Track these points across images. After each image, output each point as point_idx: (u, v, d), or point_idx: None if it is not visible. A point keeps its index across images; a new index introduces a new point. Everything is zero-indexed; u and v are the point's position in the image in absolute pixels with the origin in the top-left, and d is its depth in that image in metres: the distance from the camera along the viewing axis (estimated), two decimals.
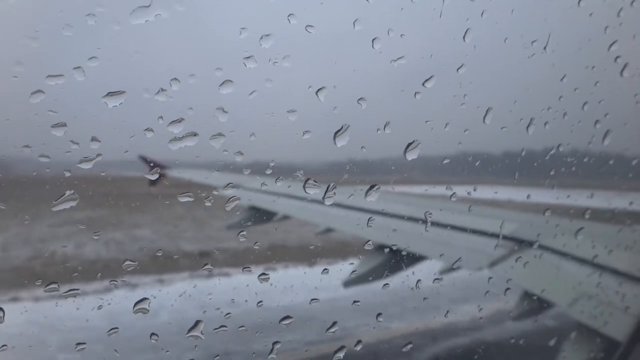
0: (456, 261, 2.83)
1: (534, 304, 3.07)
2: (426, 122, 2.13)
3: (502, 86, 2.40)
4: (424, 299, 2.33)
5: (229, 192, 1.82)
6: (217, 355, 1.94)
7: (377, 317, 2.37)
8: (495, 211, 3.67)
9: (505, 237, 3.46)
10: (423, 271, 2.69)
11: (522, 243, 3.36)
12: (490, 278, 3.15)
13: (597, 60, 2.62)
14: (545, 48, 2.37)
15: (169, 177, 2.15)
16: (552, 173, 2.72)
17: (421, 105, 2.06)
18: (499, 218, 3.64)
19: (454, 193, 2.32)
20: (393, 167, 2.14)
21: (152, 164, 1.90)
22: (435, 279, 2.73)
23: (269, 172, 1.83)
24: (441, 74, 2.07)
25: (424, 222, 2.40)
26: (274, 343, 2.01)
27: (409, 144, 2.06)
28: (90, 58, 1.43)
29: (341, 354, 2.18)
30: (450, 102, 2.16)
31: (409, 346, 2.51)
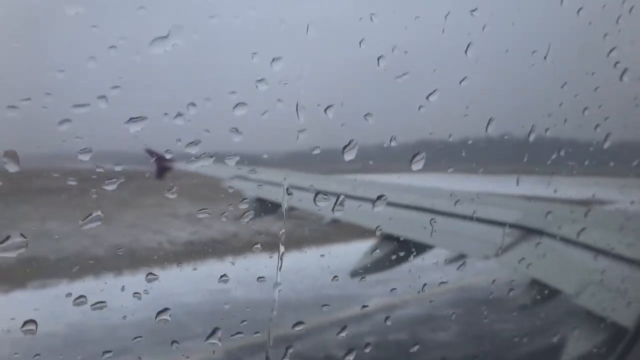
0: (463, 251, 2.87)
1: (541, 292, 3.11)
2: (430, 133, 2.21)
3: (504, 96, 2.48)
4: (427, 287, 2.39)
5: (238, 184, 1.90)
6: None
7: (385, 320, 2.46)
8: (501, 200, 3.67)
9: (512, 226, 3.49)
10: (429, 261, 2.74)
11: (529, 231, 3.39)
12: (496, 267, 3.19)
13: (597, 67, 2.69)
14: (545, 57, 2.44)
15: (175, 170, 2.23)
16: (553, 176, 2.80)
17: (426, 118, 2.14)
18: (505, 207, 3.64)
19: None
20: (398, 178, 2.22)
21: (157, 157, 1.98)
22: (442, 268, 2.77)
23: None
24: (444, 87, 2.15)
25: (430, 211, 2.45)
26: (287, 348, 2.11)
27: (414, 155, 2.15)
28: (114, 87, 1.52)
29: (351, 357, 2.28)
30: (453, 114, 2.24)
31: (416, 347, 2.60)
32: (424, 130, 2.17)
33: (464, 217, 2.91)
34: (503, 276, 3.13)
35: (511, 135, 2.49)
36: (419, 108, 2.13)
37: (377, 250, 3.09)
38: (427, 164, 2.15)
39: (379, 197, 2.13)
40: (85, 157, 1.54)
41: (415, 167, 2.15)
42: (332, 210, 2.03)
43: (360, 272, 3.05)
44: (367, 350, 2.34)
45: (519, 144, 2.55)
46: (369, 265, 3.08)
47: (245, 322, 1.99)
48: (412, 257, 2.69)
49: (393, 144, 2.09)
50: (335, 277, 2.19)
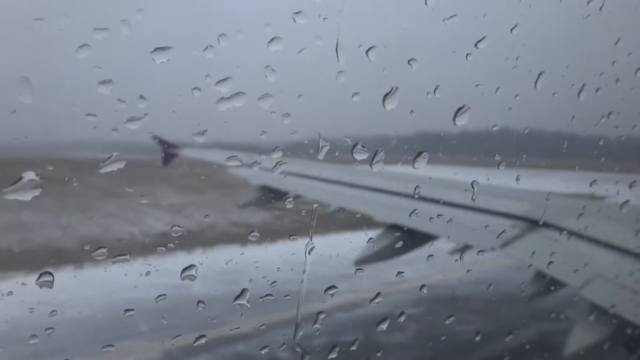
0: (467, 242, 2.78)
1: (546, 284, 3.03)
2: (477, 86, 2.03)
3: (555, 49, 2.28)
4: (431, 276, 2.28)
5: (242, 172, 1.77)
6: (263, 325, 1.90)
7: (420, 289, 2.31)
8: (509, 192, 3.61)
9: (518, 217, 3.41)
10: (435, 251, 2.64)
11: (535, 223, 3.30)
12: (502, 258, 3.10)
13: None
14: (600, 8, 2.23)
15: (182, 156, 2.11)
16: (600, 143, 2.61)
17: (473, 67, 1.95)
18: (513, 198, 3.59)
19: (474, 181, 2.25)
20: (441, 134, 2.04)
21: (165, 144, 1.86)
22: (447, 258, 2.68)
23: (318, 137, 1.75)
24: (494, 34, 1.96)
25: (437, 202, 2.34)
26: (319, 313, 1.96)
27: (459, 109, 1.97)
28: (137, 10, 1.36)
29: (384, 325, 2.14)
30: (502, 65, 2.05)
31: (451, 318, 2.45)
32: (470, 81, 1.99)
33: (470, 208, 2.83)
34: (508, 268, 3.03)
35: (560, 94, 2.29)
36: (467, 56, 1.94)
37: (382, 240, 2.99)
38: (471, 119, 1.98)
39: (419, 154, 1.97)
40: (106, 90, 1.38)
41: (459, 121, 1.98)
42: (371, 165, 1.87)
43: (364, 261, 2.96)
44: (401, 319, 2.20)
45: (568, 105, 2.36)
46: (373, 255, 3.00)
47: (275, 284, 1.84)
48: (416, 247, 2.63)
49: (437, 94, 1.91)
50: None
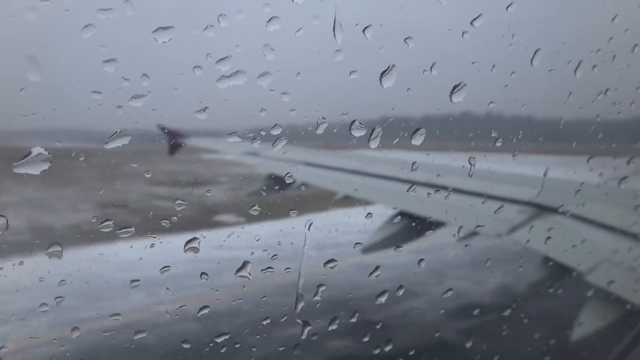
0: (476, 227, 2.80)
1: (554, 270, 3.06)
2: (473, 63, 2.06)
3: (552, 26, 2.30)
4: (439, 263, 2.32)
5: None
6: (264, 296, 1.97)
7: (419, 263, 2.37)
8: (515, 177, 3.62)
9: (525, 203, 3.42)
10: (442, 238, 2.67)
11: (542, 209, 3.32)
12: (509, 244, 3.13)
13: None
14: None
15: (188, 145, 2.14)
16: (598, 119, 2.64)
17: (469, 45, 1.99)
18: (520, 184, 3.60)
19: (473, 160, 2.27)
20: (438, 109, 2.08)
21: (171, 133, 1.89)
22: (454, 245, 2.71)
23: (317, 114, 1.80)
24: (490, 12, 1.99)
25: (444, 188, 2.37)
26: (319, 286, 2.03)
27: (455, 87, 2.00)
28: None
29: (383, 298, 2.21)
30: (498, 43, 2.09)
31: (450, 292, 2.52)
32: (467, 59, 2.02)
33: (477, 194, 2.85)
34: (515, 254, 3.06)
35: (557, 70, 2.32)
36: (462, 34, 1.97)
37: (388, 227, 3.03)
38: (468, 96, 2.02)
39: (417, 130, 2.01)
40: (111, 68, 1.43)
41: (455, 98, 2.01)
42: (369, 140, 1.91)
43: (372, 249, 3.01)
44: (400, 293, 2.26)
45: (564, 81, 2.39)
46: (381, 242, 3.04)
47: (276, 257, 1.91)
48: (423, 234, 2.63)
49: (434, 72, 1.95)
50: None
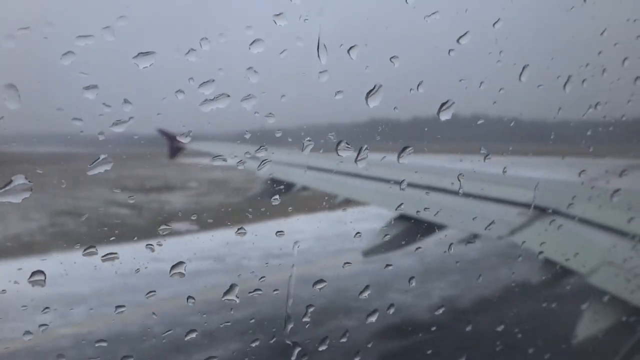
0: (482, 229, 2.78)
1: (555, 272, 3.05)
2: (460, 80, 2.06)
3: (540, 42, 2.30)
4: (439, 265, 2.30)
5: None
6: (253, 319, 1.95)
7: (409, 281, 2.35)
8: (516, 179, 3.61)
9: (526, 205, 3.41)
10: (443, 240, 2.65)
11: (543, 211, 3.31)
12: (510, 246, 3.11)
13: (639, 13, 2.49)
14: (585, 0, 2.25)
15: (188, 149, 2.13)
16: (589, 133, 2.63)
17: (456, 63, 1.98)
18: (520, 186, 3.58)
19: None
20: (426, 129, 2.08)
21: (170, 137, 1.88)
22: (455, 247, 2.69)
23: (302, 135, 1.79)
24: (477, 29, 1.99)
25: (445, 191, 2.36)
26: (308, 306, 2.01)
27: (443, 104, 2.00)
28: (119, 17, 1.39)
29: (373, 318, 2.19)
30: (485, 60, 2.08)
31: (441, 310, 2.49)
32: (454, 76, 2.02)
33: (478, 197, 2.84)
34: (516, 256, 3.05)
35: (546, 86, 2.32)
36: (449, 52, 1.97)
37: (390, 230, 3.01)
38: (455, 114, 2.01)
39: (404, 149, 2.00)
40: (91, 95, 1.42)
41: (443, 116, 2.00)
42: (356, 161, 1.90)
43: (372, 252, 3.00)
44: (390, 312, 2.25)
45: (554, 97, 2.39)
46: (381, 245, 3.03)
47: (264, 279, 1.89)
48: (424, 237, 2.62)
49: (420, 90, 1.94)
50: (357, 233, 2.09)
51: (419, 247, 2.58)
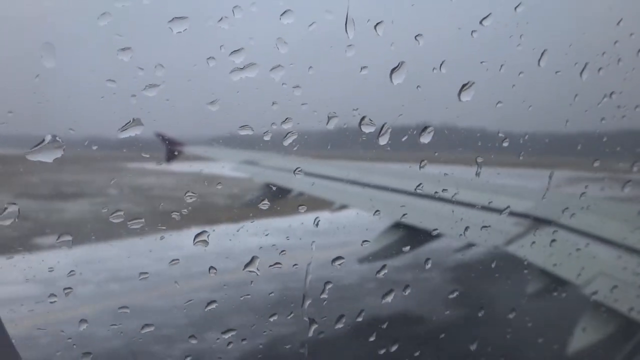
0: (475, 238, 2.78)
1: (550, 282, 3.06)
2: (481, 62, 2.07)
3: (559, 27, 2.32)
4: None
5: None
6: (272, 292, 1.96)
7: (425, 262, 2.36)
8: (512, 189, 3.62)
9: (521, 215, 3.42)
10: (438, 249, 2.66)
11: (539, 221, 3.33)
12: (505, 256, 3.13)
13: None
14: None
15: (185, 153, 2.15)
16: (603, 122, 2.65)
17: (477, 44, 2.00)
18: (517, 196, 3.60)
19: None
20: (446, 108, 2.09)
21: (168, 141, 1.89)
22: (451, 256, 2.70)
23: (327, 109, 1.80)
24: (499, 12, 2.01)
25: (441, 199, 2.37)
26: (326, 283, 2.02)
27: (464, 85, 2.01)
28: None
29: (389, 298, 2.19)
30: (506, 43, 2.10)
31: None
32: (475, 58, 2.03)
33: (474, 206, 2.85)
34: (511, 265, 3.06)
35: (563, 72, 2.34)
36: (472, 33, 1.99)
37: (386, 238, 3.02)
38: (475, 96, 2.03)
39: (425, 128, 2.02)
40: (126, 57, 1.43)
41: (464, 97, 2.02)
42: (378, 136, 1.91)
43: (369, 259, 3.01)
44: (407, 292, 2.25)
45: (570, 83, 2.41)
46: (377, 252, 3.04)
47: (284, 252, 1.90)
48: (420, 245, 2.64)
49: (443, 70, 1.95)
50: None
51: (414, 255, 2.61)
